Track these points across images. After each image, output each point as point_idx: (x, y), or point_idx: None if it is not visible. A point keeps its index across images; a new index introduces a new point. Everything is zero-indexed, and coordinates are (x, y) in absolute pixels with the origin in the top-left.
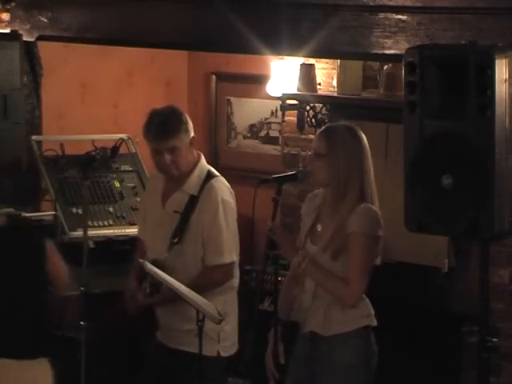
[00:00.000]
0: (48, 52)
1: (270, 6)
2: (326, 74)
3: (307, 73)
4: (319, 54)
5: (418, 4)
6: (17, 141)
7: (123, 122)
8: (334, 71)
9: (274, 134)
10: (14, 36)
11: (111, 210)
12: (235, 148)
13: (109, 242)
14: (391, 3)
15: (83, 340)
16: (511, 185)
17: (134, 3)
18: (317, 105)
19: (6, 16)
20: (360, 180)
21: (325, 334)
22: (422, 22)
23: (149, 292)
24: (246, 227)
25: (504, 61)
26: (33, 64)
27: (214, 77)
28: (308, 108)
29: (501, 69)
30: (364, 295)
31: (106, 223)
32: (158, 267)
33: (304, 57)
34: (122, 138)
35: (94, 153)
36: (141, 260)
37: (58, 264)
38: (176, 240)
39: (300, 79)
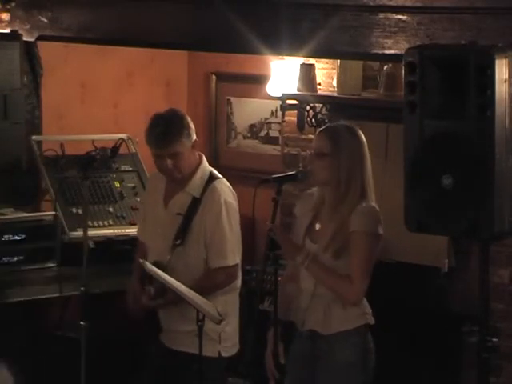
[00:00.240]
0: (48, 52)
1: (270, 6)
2: (326, 74)
3: (307, 73)
4: (319, 54)
5: (418, 4)
6: (17, 141)
7: (123, 122)
8: (334, 71)
9: (273, 133)
10: (14, 36)
11: (111, 210)
12: (235, 148)
13: (109, 242)
14: (391, 3)
15: (83, 340)
16: (511, 185)
17: (133, 3)
18: (317, 105)
19: (6, 16)
20: (361, 179)
21: (324, 332)
22: (422, 22)
23: (153, 295)
24: (246, 227)
25: (504, 61)
26: (33, 64)
27: (214, 77)
28: (308, 108)
29: (501, 69)
30: None
31: (106, 223)
32: (159, 268)
33: (304, 57)
34: (122, 138)
35: (94, 153)
36: (141, 260)
37: None
38: (179, 242)
39: (300, 79)
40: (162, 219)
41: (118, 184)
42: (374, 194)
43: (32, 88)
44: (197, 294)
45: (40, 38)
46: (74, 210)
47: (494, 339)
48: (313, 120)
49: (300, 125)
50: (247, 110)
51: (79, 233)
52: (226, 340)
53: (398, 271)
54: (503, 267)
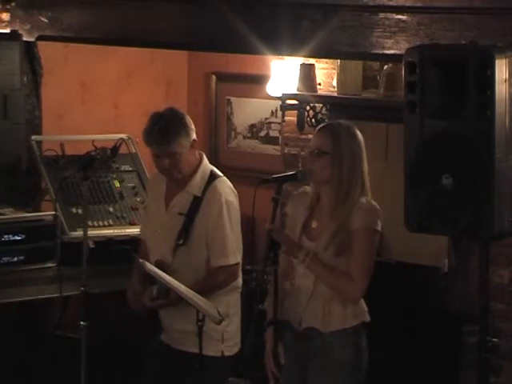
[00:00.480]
0: (48, 52)
1: (270, 6)
2: (326, 74)
3: (307, 73)
4: (319, 54)
5: (418, 4)
6: (17, 141)
7: (123, 122)
8: (334, 71)
9: (274, 134)
10: (14, 36)
11: (111, 210)
12: (235, 148)
13: (109, 242)
14: (391, 3)
15: (83, 340)
16: (511, 185)
17: (133, 3)
18: (317, 105)
19: (6, 16)
20: (361, 178)
21: (324, 329)
22: (421, 22)
23: (155, 295)
24: (246, 227)
25: (504, 61)
26: (33, 64)
27: (214, 77)
28: (308, 108)
29: (501, 69)
30: None
31: (105, 223)
32: (161, 269)
33: (304, 57)
34: (122, 138)
35: (94, 153)
36: (141, 260)
37: None
38: (181, 242)
39: (300, 79)
40: (164, 219)
41: (117, 184)
42: (374, 194)
43: (32, 88)
44: (197, 294)
45: (40, 38)
46: (74, 210)
47: (494, 339)
48: (313, 120)
49: (300, 125)
50: (247, 110)
51: (79, 233)
52: (228, 340)
53: (398, 271)
54: (503, 267)
